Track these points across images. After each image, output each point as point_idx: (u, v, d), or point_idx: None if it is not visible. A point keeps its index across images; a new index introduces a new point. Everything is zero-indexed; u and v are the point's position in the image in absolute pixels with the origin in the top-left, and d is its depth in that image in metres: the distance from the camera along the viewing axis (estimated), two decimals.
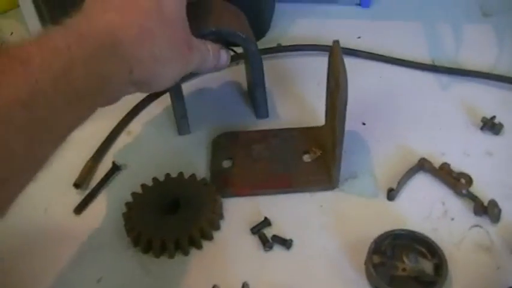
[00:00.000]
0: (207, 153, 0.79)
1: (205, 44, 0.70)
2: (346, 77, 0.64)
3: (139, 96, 0.86)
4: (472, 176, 0.75)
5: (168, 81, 0.65)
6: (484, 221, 0.71)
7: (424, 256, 0.66)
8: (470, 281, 0.65)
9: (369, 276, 0.64)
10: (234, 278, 0.64)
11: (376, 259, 0.65)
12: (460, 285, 0.65)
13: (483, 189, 0.73)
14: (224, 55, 0.74)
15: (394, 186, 0.73)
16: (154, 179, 0.73)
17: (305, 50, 0.92)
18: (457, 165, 0.75)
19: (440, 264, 0.65)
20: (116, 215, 0.72)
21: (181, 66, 0.65)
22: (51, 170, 0.74)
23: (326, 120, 0.77)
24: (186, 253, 0.68)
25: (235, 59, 0.90)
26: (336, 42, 0.68)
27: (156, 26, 0.60)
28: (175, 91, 0.78)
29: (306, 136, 0.79)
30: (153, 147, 0.81)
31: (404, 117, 0.83)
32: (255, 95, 0.81)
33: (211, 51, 0.71)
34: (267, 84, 0.81)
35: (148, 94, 0.86)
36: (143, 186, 0.73)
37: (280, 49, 0.93)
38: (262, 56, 0.79)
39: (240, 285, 0.64)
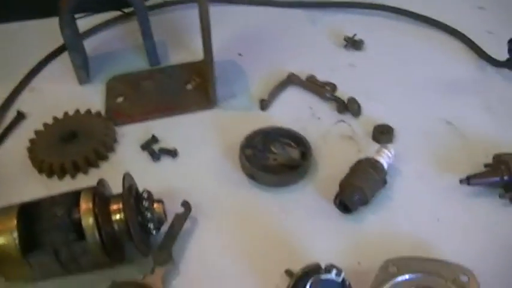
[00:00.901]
0: (103, 93, 0.87)
1: None
2: None
3: (41, 55, 0.94)
4: (337, 85, 0.85)
5: None
6: (347, 117, 0.81)
7: (290, 146, 0.75)
8: (335, 162, 0.75)
9: (243, 167, 0.74)
10: None
11: (248, 152, 0.74)
12: (327, 166, 0.74)
13: (346, 93, 0.83)
14: None
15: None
16: (54, 118, 0.82)
17: (187, 2, 1.02)
18: (323, 78, 0.85)
19: (305, 151, 0.74)
20: (23, 154, 0.79)
21: None
22: None
23: (204, 53, 0.86)
24: (85, 172, 0.76)
25: (124, 17, 0.99)
26: None
27: None
28: (71, 43, 0.86)
29: (188, 69, 0.88)
30: (56, 97, 0.88)
31: (277, 46, 0.93)
32: (146, 46, 0.90)
33: None
34: (160, 36, 0.91)
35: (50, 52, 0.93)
36: (45, 124, 0.81)
37: (165, 4, 1.02)
38: (152, 12, 0.90)
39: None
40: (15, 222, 0.62)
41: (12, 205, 0.64)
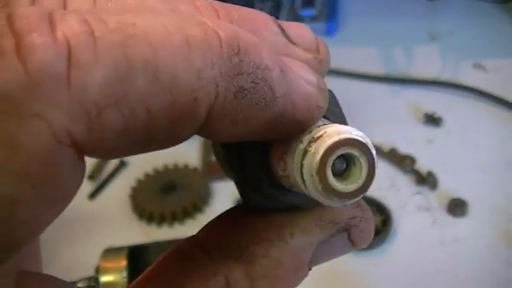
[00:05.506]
0: (199, 150, 0.95)
1: None
2: None
3: None
4: (415, 158, 0.91)
5: None
6: (424, 189, 0.86)
7: (373, 214, 0.81)
8: (412, 231, 0.80)
9: None
10: None
11: None
12: (404, 234, 0.80)
13: (424, 167, 0.89)
14: None
15: None
16: (155, 169, 0.89)
17: None
18: (404, 151, 0.92)
19: (386, 219, 0.80)
20: (123, 199, 0.87)
21: None
22: None
23: None
24: (181, 222, 0.83)
25: None
26: None
27: None
28: None
29: None
30: None
31: (362, 118, 0.99)
32: None
33: None
34: None
35: None
36: (146, 174, 0.89)
37: None
38: None
39: None
40: (125, 262, 0.69)
41: (123, 246, 0.71)
